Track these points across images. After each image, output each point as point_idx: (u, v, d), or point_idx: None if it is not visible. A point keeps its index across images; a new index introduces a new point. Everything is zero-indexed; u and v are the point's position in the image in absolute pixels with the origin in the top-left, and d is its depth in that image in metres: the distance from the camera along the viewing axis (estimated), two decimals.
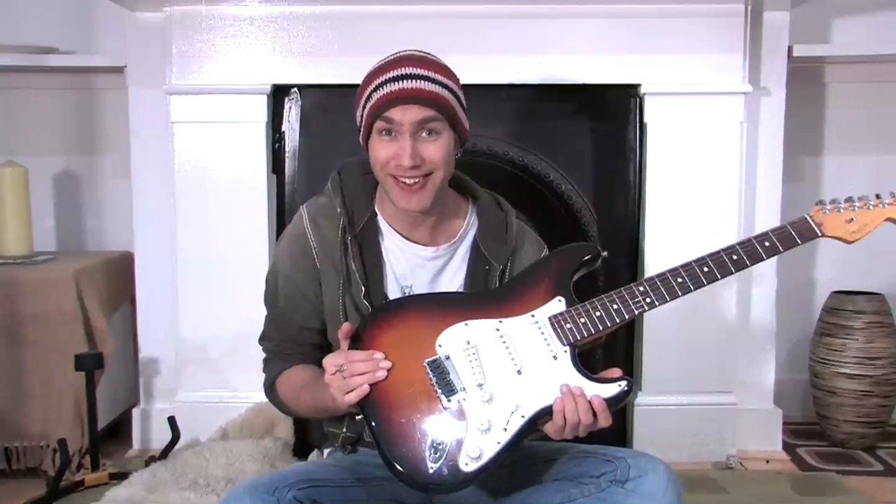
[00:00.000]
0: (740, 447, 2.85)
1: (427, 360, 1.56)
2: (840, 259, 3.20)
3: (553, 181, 2.80)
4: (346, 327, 1.58)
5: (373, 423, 1.52)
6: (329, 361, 1.56)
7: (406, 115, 1.62)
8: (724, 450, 2.80)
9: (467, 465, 1.48)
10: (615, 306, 1.59)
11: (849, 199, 1.64)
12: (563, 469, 1.64)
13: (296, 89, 2.76)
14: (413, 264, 1.76)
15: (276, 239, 2.14)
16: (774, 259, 2.81)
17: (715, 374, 2.81)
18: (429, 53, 1.71)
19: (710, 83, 2.73)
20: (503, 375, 1.55)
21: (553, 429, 1.52)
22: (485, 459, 1.49)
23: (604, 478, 1.56)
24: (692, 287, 1.61)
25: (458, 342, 1.58)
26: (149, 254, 2.87)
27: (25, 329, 2.62)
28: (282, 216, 2.79)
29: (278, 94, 2.76)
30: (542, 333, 1.59)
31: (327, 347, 1.78)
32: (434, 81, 1.64)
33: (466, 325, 1.60)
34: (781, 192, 2.86)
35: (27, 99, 3.15)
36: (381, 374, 1.53)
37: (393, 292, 1.75)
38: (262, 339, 1.84)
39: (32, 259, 2.82)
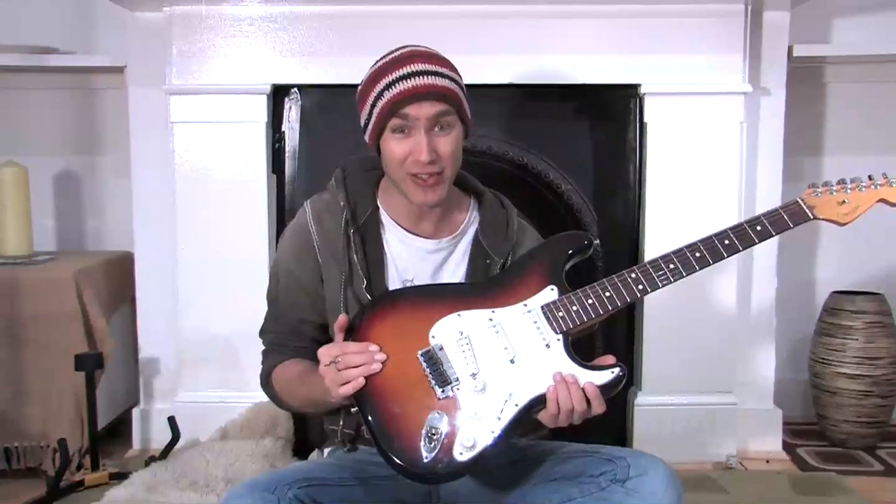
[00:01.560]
0: (740, 447, 2.85)
1: (420, 351, 1.57)
2: (840, 259, 3.20)
3: (553, 181, 2.80)
4: (342, 319, 1.59)
5: (368, 415, 1.53)
6: (324, 352, 1.57)
7: (421, 111, 1.63)
8: (724, 450, 2.79)
9: (461, 454, 1.49)
10: (607, 294, 1.59)
11: (841, 181, 1.64)
12: (562, 468, 1.64)
13: (296, 89, 2.77)
14: (415, 257, 1.77)
15: (277, 238, 2.14)
16: (774, 259, 2.85)
17: (715, 374, 2.81)
18: (429, 48, 1.72)
19: (709, 83, 2.73)
20: (496, 365, 1.56)
21: (547, 416, 1.53)
22: (479, 448, 1.49)
23: (604, 477, 1.56)
24: (684, 273, 1.60)
25: (452, 332, 1.59)
26: (149, 254, 2.87)
27: (25, 329, 2.63)
28: (282, 216, 2.79)
29: (278, 94, 2.77)
30: (535, 322, 1.59)
31: (326, 342, 1.77)
32: (443, 76, 1.66)
33: (459, 315, 1.60)
34: (781, 192, 2.85)
35: (27, 99, 3.15)
36: (376, 367, 1.54)
37: (394, 285, 1.75)
38: (263, 333, 1.85)
39: (32, 259, 2.82)
